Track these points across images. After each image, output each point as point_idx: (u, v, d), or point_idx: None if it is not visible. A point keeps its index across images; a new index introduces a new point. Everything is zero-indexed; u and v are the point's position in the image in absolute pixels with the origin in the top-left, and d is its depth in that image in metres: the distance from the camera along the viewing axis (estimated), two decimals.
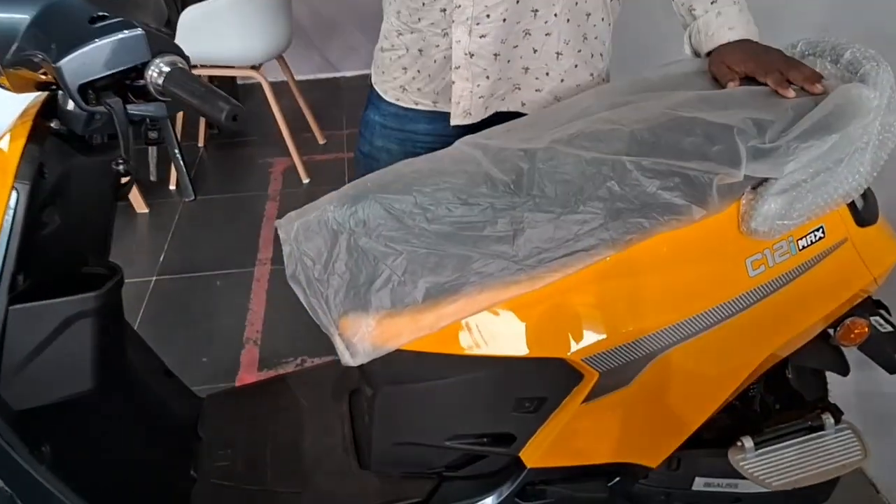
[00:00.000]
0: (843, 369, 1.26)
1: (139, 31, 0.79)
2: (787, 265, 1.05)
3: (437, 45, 1.31)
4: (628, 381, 1.04)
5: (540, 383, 1.07)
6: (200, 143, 3.58)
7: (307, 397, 1.36)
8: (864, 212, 1.11)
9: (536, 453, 1.10)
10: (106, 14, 0.80)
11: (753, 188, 1.02)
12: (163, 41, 0.81)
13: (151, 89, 0.81)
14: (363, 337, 1.02)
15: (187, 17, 2.82)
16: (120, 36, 0.78)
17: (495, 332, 1.03)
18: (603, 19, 1.35)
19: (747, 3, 1.22)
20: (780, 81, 1.08)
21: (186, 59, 0.83)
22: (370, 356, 1.02)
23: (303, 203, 1.10)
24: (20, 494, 0.96)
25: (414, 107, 1.40)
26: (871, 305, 1.20)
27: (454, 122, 1.34)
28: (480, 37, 1.27)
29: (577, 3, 1.30)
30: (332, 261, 1.04)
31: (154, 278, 2.56)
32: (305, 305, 1.06)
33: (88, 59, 0.78)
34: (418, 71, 1.36)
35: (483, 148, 1.10)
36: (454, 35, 1.27)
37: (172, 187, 3.16)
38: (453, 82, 1.30)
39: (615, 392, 1.05)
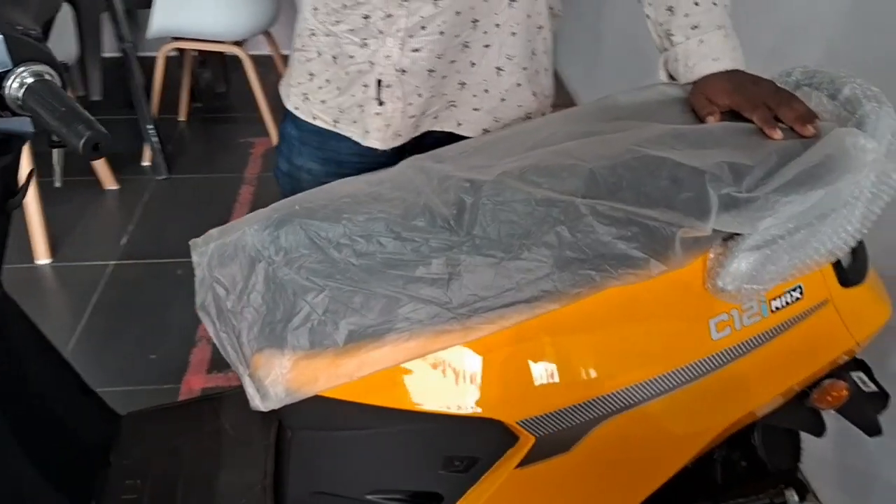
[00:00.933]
0: (818, 430, 1.15)
1: None
2: (756, 328, 0.93)
3: (353, 56, 1.17)
4: (568, 447, 0.93)
5: (471, 442, 0.96)
6: (182, 118, 3.46)
7: (234, 424, 1.25)
8: (850, 270, 0.99)
9: None
10: None
11: (724, 240, 0.90)
12: (30, 48, 0.69)
13: (10, 102, 0.69)
14: (276, 379, 0.91)
15: None
16: None
17: (423, 385, 0.91)
18: (550, 31, 1.23)
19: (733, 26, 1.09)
20: (767, 119, 0.96)
21: (59, 68, 0.71)
22: (283, 402, 0.91)
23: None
24: None
25: (311, 121, 1.26)
26: (851, 364, 1.09)
27: (378, 144, 1.20)
28: (413, 51, 1.13)
29: (529, 16, 1.18)
30: (248, 291, 0.93)
31: (112, 263, 2.44)
32: (214, 339, 0.95)
33: None
34: (327, 80, 1.22)
35: (428, 173, 0.98)
36: (384, 49, 1.13)
37: (146, 163, 3.04)
38: (381, 102, 1.17)
39: (553, 458, 0.93)
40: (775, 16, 1.81)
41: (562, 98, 3.58)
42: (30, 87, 0.68)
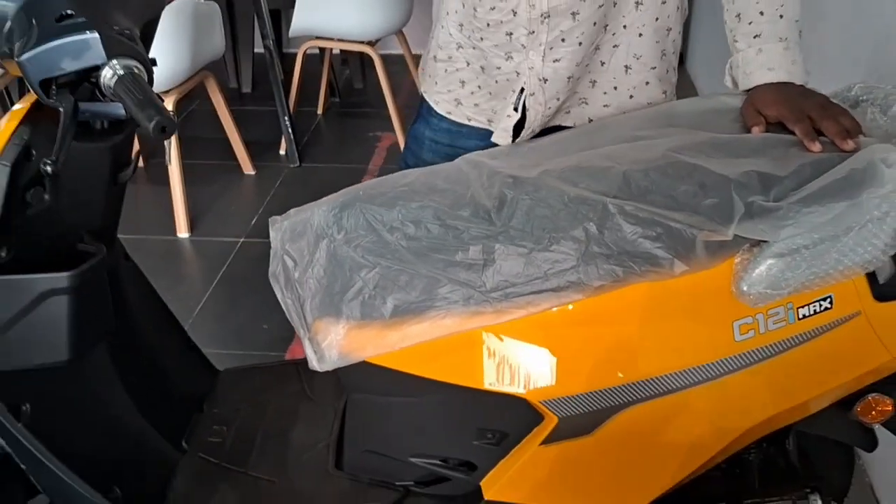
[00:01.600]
0: (867, 444, 1.15)
1: (95, 34, 0.82)
2: (781, 333, 0.95)
3: (499, 68, 1.27)
4: (589, 430, 0.99)
5: (502, 417, 1.04)
6: (319, 111, 3.70)
7: (313, 388, 1.39)
8: (887, 285, 0.99)
9: (495, 486, 1.07)
10: (72, 13, 0.83)
11: (751, 246, 0.94)
12: (121, 45, 0.84)
13: (104, 90, 0.84)
14: (331, 344, 1.03)
15: None
16: (76, 37, 0.82)
17: (458, 360, 1.01)
18: (679, 33, 1.28)
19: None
20: (808, 132, 0.98)
21: (146, 63, 0.85)
22: (336, 364, 1.03)
23: None
24: (13, 449, 1.04)
25: (466, 122, 1.37)
26: None
27: (503, 142, 1.30)
28: (554, 61, 1.22)
29: (657, 18, 1.23)
30: (312, 265, 1.05)
31: (241, 240, 2.68)
32: (282, 304, 1.08)
33: (46, 58, 0.82)
34: (479, 87, 1.32)
35: (480, 168, 1.07)
36: (528, 62, 1.22)
37: (282, 152, 3.28)
38: (516, 110, 1.26)
39: (575, 439, 1.00)
40: (869, 26, 1.76)
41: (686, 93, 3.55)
42: (120, 77, 0.83)
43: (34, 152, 0.94)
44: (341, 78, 3.97)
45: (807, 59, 1.12)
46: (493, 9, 1.22)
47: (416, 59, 3.45)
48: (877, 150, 0.92)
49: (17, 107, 0.97)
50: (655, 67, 1.27)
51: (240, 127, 3.01)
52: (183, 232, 2.70)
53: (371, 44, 3.18)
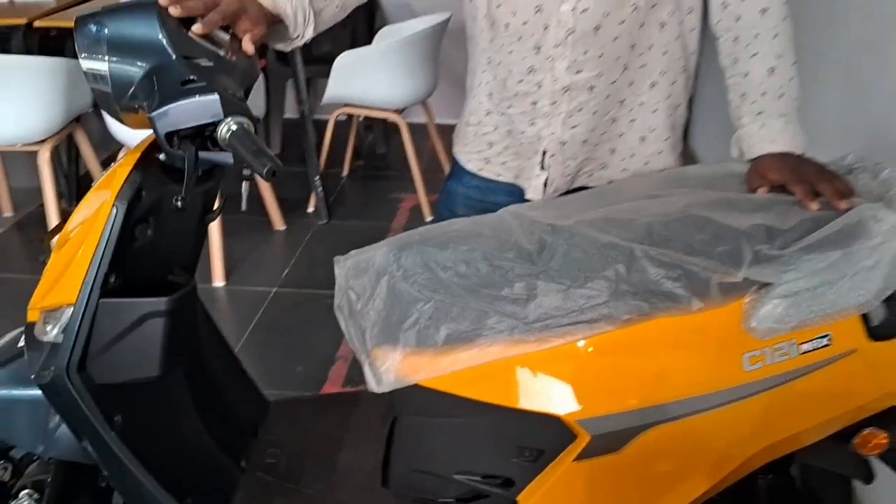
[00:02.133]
0: (864, 476, 1.27)
1: (215, 96, 0.99)
2: (784, 366, 1.10)
3: (524, 132, 1.44)
4: (618, 447, 1.13)
5: (538, 436, 1.17)
6: (344, 173, 3.90)
7: (357, 416, 1.52)
8: (880, 326, 1.13)
9: (531, 500, 1.20)
10: (195, 78, 1.00)
11: (759, 288, 1.09)
12: (235, 105, 1.00)
13: (220, 141, 1.00)
14: (389, 368, 1.17)
15: (341, 62, 3.12)
16: (200, 99, 0.99)
17: (502, 383, 1.15)
18: (687, 108, 1.46)
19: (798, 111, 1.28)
20: (806, 192, 1.14)
21: (254, 119, 1.02)
22: (392, 386, 1.17)
23: None
24: (99, 456, 1.17)
25: (495, 178, 1.53)
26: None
27: (536, 198, 1.46)
28: (572, 128, 1.39)
29: (669, 97, 1.41)
30: (373, 298, 1.20)
31: (274, 289, 2.84)
32: (345, 333, 1.22)
33: (174, 114, 0.99)
34: (505, 147, 1.49)
35: (521, 218, 1.23)
36: (549, 128, 1.39)
37: (311, 209, 3.46)
38: (543, 167, 1.43)
39: (605, 456, 1.13)
40: (869, 107, 1.94)
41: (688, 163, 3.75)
42: (234, 132, 0.99)
43: (144, 193, 1.11)
44: (365, 142, 4.18)
45: (806, 132, 1.29)
46: (520, 81, 1.39)
47: (438, 127, 3.69)
48: (867, 208, 1.07)
49: (128, 152, 1.14)
50: (668, 138, 1.45)
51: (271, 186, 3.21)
52: (219, 281, 2.86)
53: (398, 112, 3.39)
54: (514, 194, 1.50)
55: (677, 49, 1.39)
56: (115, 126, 2.82)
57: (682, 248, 1.08)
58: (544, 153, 1.43)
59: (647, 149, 1.45)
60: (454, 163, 1.61)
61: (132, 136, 2.78)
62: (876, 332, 1.13)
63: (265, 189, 3.18)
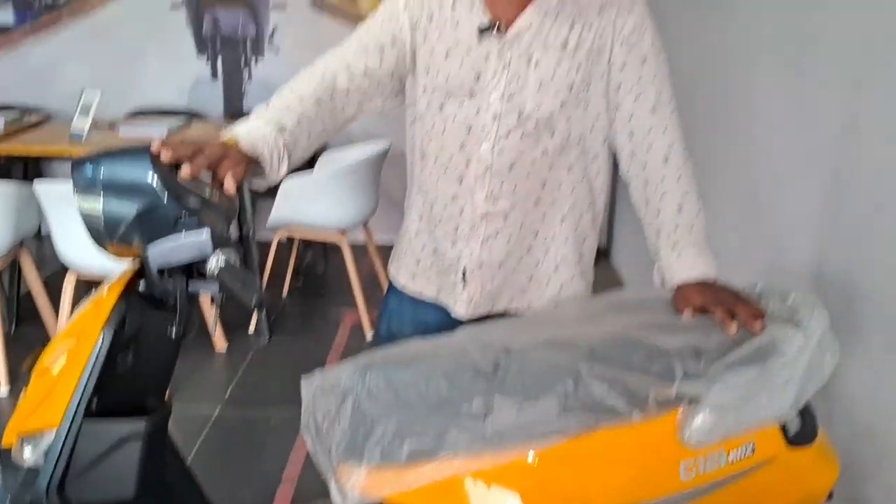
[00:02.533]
0: None
1: (206, 234, 1.09)
2: (716, 474, 1.21)
3: (446, 252, 1.60)
4: None
5: None
6: (285, 292, 3.96)
7: None
8: (797, 434, 1.27)
9: None
10: (185, 217, 1.11)
11: (690, 402, 1.22)
12: (222, 240, 1.11)
13: (209, 274, 1.10)
14: (354, 485, 1.24)
15: (285, 187, 3.26)
16: (193, 237, 1.09)
17: (462, 497, 1.23)
18: (595, 241, 1.64)
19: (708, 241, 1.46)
20: (726, 316, 1.30)
21: (237, 251, 1.13)
22: (358, 502, 1.24)
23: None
24: None
25: (420, 294, 1.67)
26: None
27: (462, 314, 1.60)
28: (489, 250, 1.56)
29: (576, 229, 1.59)
30: (339, 417, 1.27)
31: (217, 411, 2.84)
32: (311, 452, 1.29)
33: (167, 250, 1.09)
34: (430, 264, 1.65)
35: (476, 340, 1.34)
36: (469, 248, 1.56)
37: (252, 330, 3.51)
38: (466, 283, 1.58)
39: None
40: (766, 232, 2.17)
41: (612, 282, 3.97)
42: (223, 266, 1.09)
43: (127, 321, 1.18)
44: (304, 262, 4.28)
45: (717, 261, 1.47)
46: (445, 207, 1.57)
47: (378, 246, 3.83)
48: (778, 329, 1.23)
49: (112, 281, 1.22)
50: (578, 267, 1.61)
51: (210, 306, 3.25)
52: None
53: (340, 233, 3.53)
54: (442, 311, 1.64)
55: (584, 189, 1.57)
56: (62, 249, 2.86)
57: (622, 367, 1.21)
58: (465, 271, 1.58)
59: (560, 276, 1.60)
60: (390, 283, 1.76)
61: (79, 260, 2.82)
62: (793, 440, 1.27)
63: (206, 309, 3.22)
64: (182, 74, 4.58)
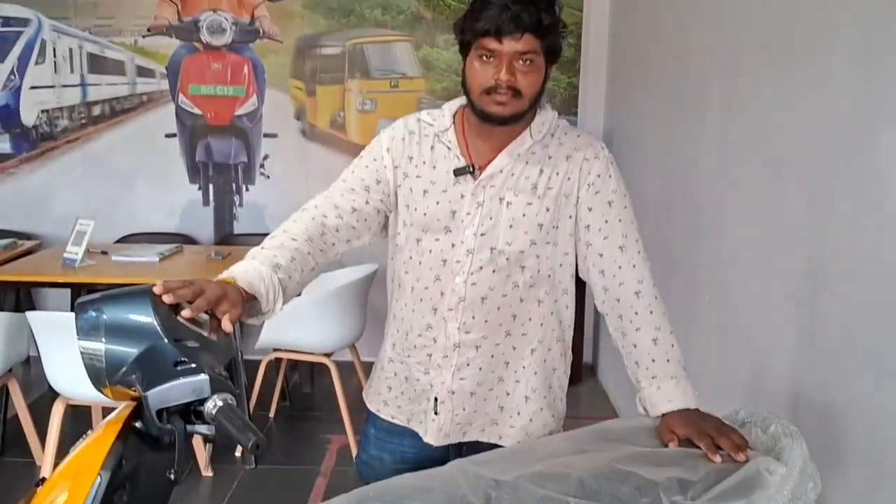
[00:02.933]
0: None
1: (205, 376, 1.13)
2: None
3: (419, 380, 1.66)
4: None
5: None
6: (271, 415, 3.94)
7: None
8: None
9: None
10: (185, 360, 1.14)
11: None
12: (220, 383, 1.14)
13: (206, 416, 1.13)
14: None
15: None
16: (191, 379, 1.13)
17: None
18: (565, 372, 1.69)
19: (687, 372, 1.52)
20: (710, 447, 1.33)
21: (235, 395, 1.16)
22: None
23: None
24: None
25: (391, 420, 1.72)
26: None
27: (433, 441, 1.65)
28: (461, 379, 1.62)
29: (545, 361, 1.65)
30: None
31: None
32: None
33: (166, 393, 1.12)
34: (401, 392, 1.70)
35: (467, 473, 1.36)
36: (440, 377, 1.62)
37: (238, 454, 3.47)
38: (436, 413, 1.63)
39: None
40: (744, 356, 2.23)
41: (607, 411, 3.98)
42: (221, 408, 1.12)
43: (124, 462, 1.20)
44: (291, 383, 4.28)
45: (695, 383, 1.51)
46: (419, 335, 1.64)
47: (365, 365, 3.84)
48: (761, 461, 1.27)
49: (109, 421, 1.24)
50: (546, 398, 1.67)
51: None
52: None
53: (327, 355, 3.55)
54: (415, 437, 1.68)
55: (553, 322, 1.65)
56: (53, 376, 2.86)
57: (610, 501, 1.23)
58: (436, 400, 1.63)
59: (530, 407, 1.66)
60: (367, 408, 1.80)
61: (70, 386, 2.82)
62: None
63: (197, 440, 3.19)
64: (174, 200, 4.70)
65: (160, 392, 1.13)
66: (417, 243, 1.61)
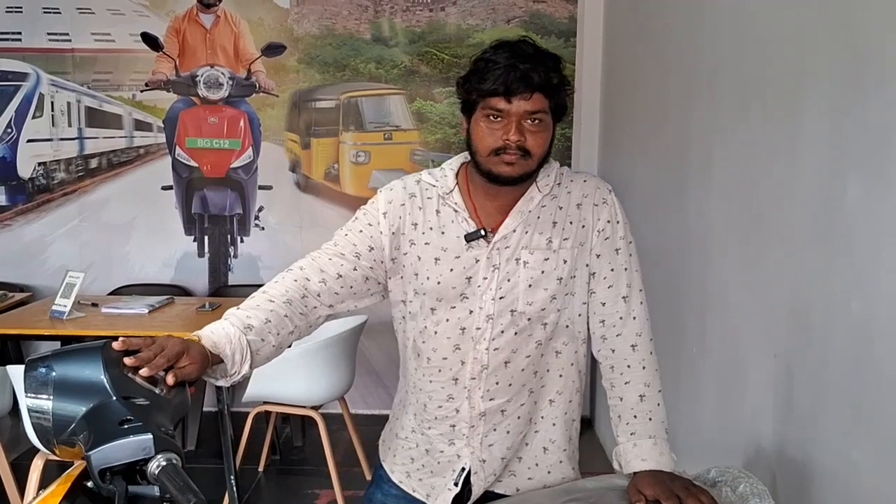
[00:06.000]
0: None
1: (149, 435, 1.11)
2: None
3: (442, 451, 1.59)
4: None
5: None
6: (260, 469, 3.89)
7: None
8: None
9: None
10: (131, 418, 1.12)
11: None
12: (166, 442, 1.12)
13: (150, 476, 1.11)
14: None
15: None
16: (136, 438, 1.10)
17: None
18: (578, 421, 1.65)
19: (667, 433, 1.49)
20: None
21: (181, 454, 1.14)
22: None
23: None
24: None
25: (411, 492, 1.65)
26: None
27: None
28: (489, 446, 1.56)
29: (565, 413, 1.61)
30: None
31: None
32: None
33: (109, 453, 1.10)
34: (423, 465, 1.63)
35: None
36: (469, 447, 1.56)
37: None
38: (456, 485, 1.57)
39: None
40: (734, 414, 2.19)
41: (604, 466, 3.90)
42: (163, 468, 1.10)
43: None
44: (281, 436, 4.22)
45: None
46: (440, 407, 1.57)
47: (354, 417, 3.80)
48: None
49: (59, 480, 1.22)
50: (566, 450, 1.62)
51: None
52: None
53: (316, 408, 3.51)
54: None
55: (572, 372, 1.60)
56: (31, 432, 2.83)
57: None
58: (463, 470, 1.56)
59: (548, 458, 1.61)
60: (377, 471, 1.73)
61: None
62: None
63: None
64: (169, 252, 4.71)
65: (103, 451, 1.11)
66: (433, 312, 1.54)
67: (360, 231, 1.54)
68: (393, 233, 1.54)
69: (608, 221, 1.54)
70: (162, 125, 4.64)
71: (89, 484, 1.23)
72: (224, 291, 4.61)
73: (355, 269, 1.52)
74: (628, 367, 1.53)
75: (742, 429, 2.12)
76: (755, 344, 2.08)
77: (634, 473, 1.45)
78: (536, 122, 1.42)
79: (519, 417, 1.56)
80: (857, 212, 1.55)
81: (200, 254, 4.71)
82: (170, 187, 4.68)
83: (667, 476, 1.41)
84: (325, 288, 1.49)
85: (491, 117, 1.42)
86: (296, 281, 1.48)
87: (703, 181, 2.57)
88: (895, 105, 1.41)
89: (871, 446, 1.49)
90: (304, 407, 3.50)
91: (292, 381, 3.37)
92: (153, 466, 1.11)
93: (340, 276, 1.50)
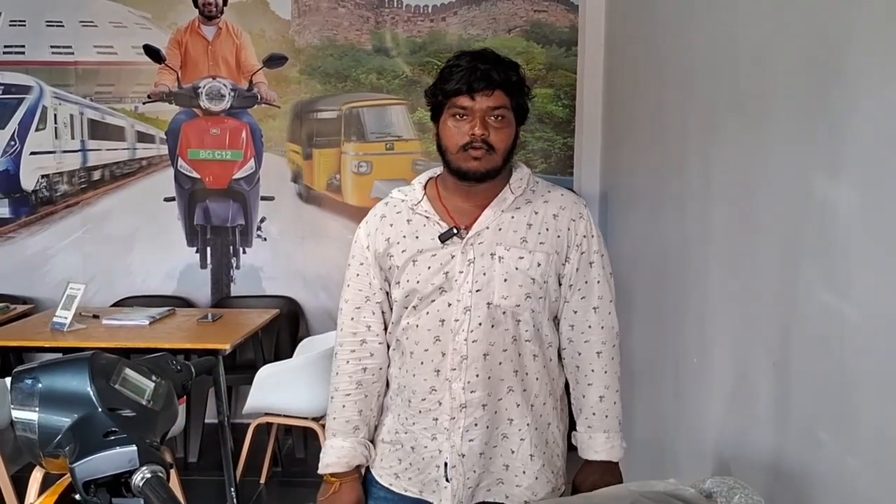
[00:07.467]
0: None
1: (134, 448, 1.10)
2: None
3: (426, 447, 1.64)
4: None
5: None
6: (262, 481, 3.87)
7: None
8: None
9: None
10: (116, 430, 1.12)
11: None
12: (151, 454, 1.11)
13: (133, 489, 1.10)
14: None
15: (262, 374, 3.27)
16: (120, 450, 1.10)
17: None
18: (558, 427, 1.68)
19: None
20: None
21: (167, 467, 1.13)
22: None
23: None
24: None
25: (403, 493, 1.68)
26: None
27: None
28: (470, 441, 1.61)
29: (541, 416, 1.66)
30: None
31: None
32: None
33: (94, 465, 1.09)
34: (410, 464, 1.67)
35: None
36: (449, 441, 1.61)
37: None
38: (448, 480, 1.61)
39: None
40: (731, 425, 2.17)
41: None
42: (148, 480, 1.09)
43: None
44: (284, 447, 4.21)
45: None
46: (423, 400, 1.63)
47: None
48: None
49: (47, 493, 1.21)
50: (545, 453, 1.68)
51: (185, 496, 3.16)
52: None
53: (317, 419, 3.50)
54: None
55: (546, 376, 1.67)
56: None
57: None
58: (446, 465, 1.61)
59: (535, 465, 1.66)
60: (368, 478, 1.74)
61: None
62: None
63: (182, 500, 3.13)
64: (172, 263, 4.72)
65: (87, 464, 1.10)
66: (414, 309, 1.63)
67: (358, 274, 1.70)
68: (377, 256, 1.68)
69: (584, 236, 1.66)
70: (164, 137, 4.66)
71: (77, 497, 1.22)
72: (226, 302, 4.61)
73: (383, 300, 1.70)
74: (592, 370, 1.66)
75: (741, 439, 2.10)
76: (754, 353, 2.06)
77: (585, 461, 1.63)
78: (499, 118, 1.55)
79: (496, 413, 1.62)
80: (853, 220, 1.54)
81: (203, 265, 4.71)
82: (172, 199, 4.69)
83: (610, 474, 1.63)
84: (376, 333, 1.69)
85: (457, 116, 1.55)
86: (348, 363, 1.70)
87: (701, 189, 2.56)
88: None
89: (869, 457, 1.47)
90: (306, 418, 3.49)
91: (294, 393, 3.37)
92: (137, 479, 1.10)
93: (377, 311, 1.69)
